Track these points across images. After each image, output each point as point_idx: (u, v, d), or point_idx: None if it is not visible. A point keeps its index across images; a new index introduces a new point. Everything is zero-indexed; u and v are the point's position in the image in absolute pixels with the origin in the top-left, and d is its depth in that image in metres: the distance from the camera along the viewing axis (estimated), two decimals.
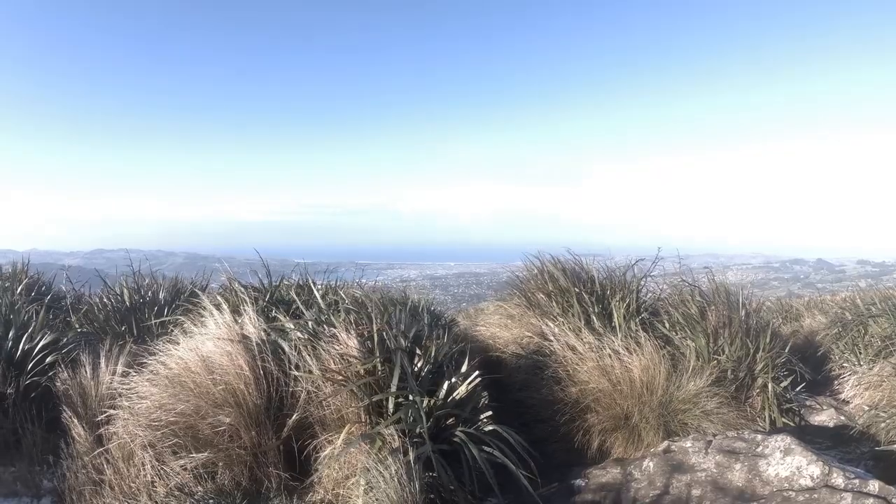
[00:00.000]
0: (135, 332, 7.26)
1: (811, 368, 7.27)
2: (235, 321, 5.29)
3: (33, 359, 5.86)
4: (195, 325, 5.48)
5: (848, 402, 6.88)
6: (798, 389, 6.62)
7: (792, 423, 6.21)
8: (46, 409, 5.50)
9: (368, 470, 4.03)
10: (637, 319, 6.65)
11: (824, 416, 6.53)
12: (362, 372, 4.76)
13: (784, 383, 6.35)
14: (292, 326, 5.45)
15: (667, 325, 6.75)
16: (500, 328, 7.64)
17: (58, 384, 5.51)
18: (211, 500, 4.36)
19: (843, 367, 7.68)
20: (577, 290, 7.29)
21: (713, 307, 6.82)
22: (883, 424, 5.74)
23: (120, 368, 5.43)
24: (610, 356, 5.74)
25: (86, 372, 5.42)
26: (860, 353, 7.56)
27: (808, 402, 6.71)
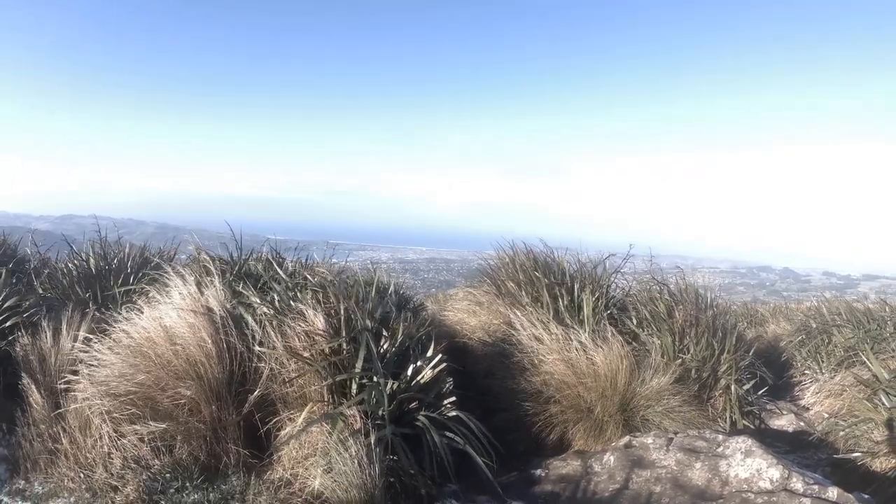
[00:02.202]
0: (99, 299, 7.14)
1: (773, 373, 7.36)
2: (201, 293, 5.21)
3: None
4: (160, 294, 5.40)
5: (808, 408, 6.97)
6: (760, 393, 6.69)
7: (752, 426, 6.28)
8: (4, 374, 5.38)
9: (329, 451, 4.00)
10: (605, 314, 6.67)
11: (784, 421, 6.60)
12: (327, 351, 4.72)
13: (746, 386, 6.42)
14: (258, 301, 5.39)
15: (634, 321, 6.77)
16: (468, 314, 7.64)
17: (17, 349, 5.40)
18: (168, 474, 4.30)
19: (804, 373, 7.78)
20: (547, 281, 7.29)
21: (681, 306, 6.86)
22: (842, 433, 5.81)
23: (81, 335, 5.33)
24: (576, 349, 5.75)
25: (46, 337, 5.32)
26: (822, 361, 7.65)
27: (768, 406, 6.78)
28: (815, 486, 3.97)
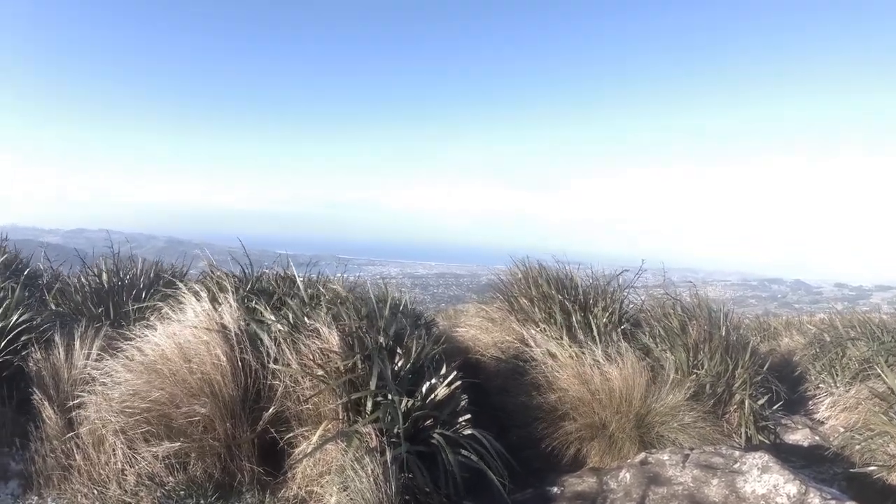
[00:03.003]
0: (111, 315, 7.16)
1: (787, 387, 7.30)
2: (215, 310, 5.22)
3: (6, 337, 5.74)
4: (173, 311, 5.40)
5: (823, 422, 6.91)
6: (774, 408, 6.63)
7: (767, 441, 6.23)
8: (17, 389, 5.39)
9: (344, 468, 3.99)
10: (619, 330, 6.64)
11: (799, 436, 6.55)
12: (342, 368, 4.72)
13: (761, 401, 6.36)
14: (273, 318, 5.38)
15: (648, 336, 6.74)
16: (481, 331, 7.62)
17: (30, 364, 5.41)
18: (182, 492, 4.29)
19: (819, 387, 7.72)
20: (560, 297, 7.27)
21: (694, 322, 6.82)
22: (858, 447, 5.76)
23: (94, 351, 5.34)
24: (590, 365, 5.72)
25: (59, 353, 5.34)
26: (837, 374, 7.59)
27: (783, 421, 6.73)
28: (833, 502, 3.94)
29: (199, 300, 5.33)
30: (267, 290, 6.46)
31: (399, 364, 5.00)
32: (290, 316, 5.40)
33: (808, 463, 6.00)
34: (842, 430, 6.43)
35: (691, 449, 4.90)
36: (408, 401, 4.64)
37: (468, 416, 4.87)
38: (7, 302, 6.14)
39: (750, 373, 6.36)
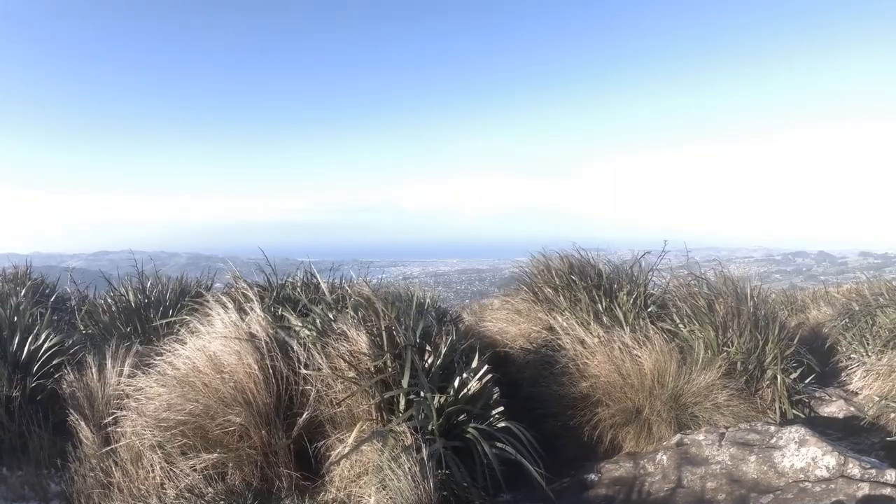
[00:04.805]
0: (141, 332, 7.23)
1: (819, 360, 7.23)
2: (242, 320, 5.25)
3: (39, 361, 5.82)
4: (202, 324, 5.44)
5: (857, 392, 6.85)
6: (807, 381, 6.58)
7: (802, 415, 6.18)
8: (53, 411, 5.46)
9: (381, 468, 4.01)
10: (645, 313, 6.61)
11: (834, 408, 6.50)
12: (372, 369, 4.74)
13: (793, 375, 6.31)
14: (300, 324, 5.41)
15: (675, 318, 6.69)
16: (508, 323, 7.61)
17: (64, 386, 5.48)
18: (221, 501, 4.33)
19: (850, 358, 7.64)
20: (584, 284, 7.26)
21: (721, 299, 6.78)
22: (893, 415, 5.72)
23: (126, 369, 5.40)
24: (620, 350, 5.70)
25: (92, 373, 5.39)
26: (868, 343, 7.51)
27: (817, 394, 6.67)
28: (873, 471, 3.93)
29: (226, 311, 5.36)
30: (292, 298, 6.50)
31: (429, 361, 5.01)
32: (317, 321, 5.43)
33: (845, 434, 5.95)
34: (876, 398, 6.37)
35: (727, 427, 4.89)
36: (440, 397, 4.65)
37: (501, 408, 4.87)
38: (37, 327, 6.22)
39: (780, 347, 6.30)
